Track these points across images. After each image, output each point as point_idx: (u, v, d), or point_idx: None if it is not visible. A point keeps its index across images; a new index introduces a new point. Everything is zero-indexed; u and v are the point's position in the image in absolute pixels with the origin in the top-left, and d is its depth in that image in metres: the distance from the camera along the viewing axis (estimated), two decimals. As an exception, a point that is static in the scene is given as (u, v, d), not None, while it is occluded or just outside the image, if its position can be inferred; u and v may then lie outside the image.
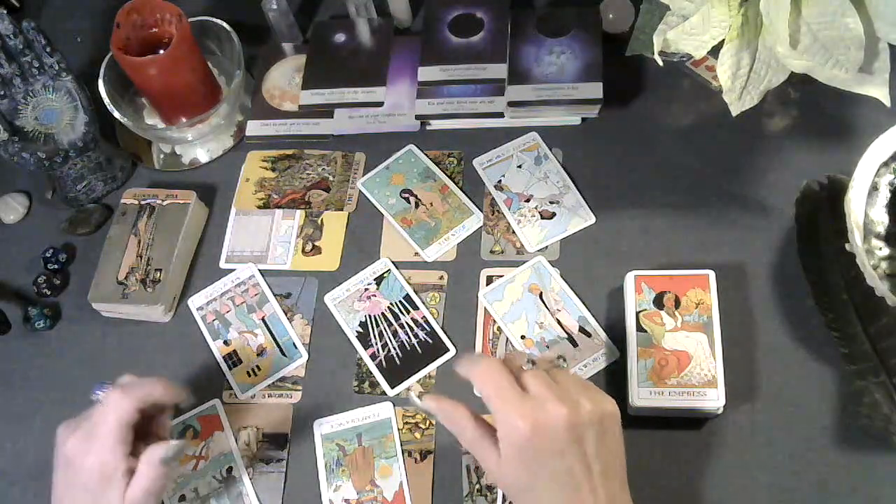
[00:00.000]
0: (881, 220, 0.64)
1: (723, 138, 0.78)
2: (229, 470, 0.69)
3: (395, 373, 0.71)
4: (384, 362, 0.72)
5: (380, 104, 0.83)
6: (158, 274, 0.75)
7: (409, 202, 0.79)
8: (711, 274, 0.67)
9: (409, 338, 0.72)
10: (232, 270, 0.78)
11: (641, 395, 0.63)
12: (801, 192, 0.71)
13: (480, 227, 0.77)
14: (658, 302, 0.67)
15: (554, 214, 0.76)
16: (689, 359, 0.64)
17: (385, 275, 0.75)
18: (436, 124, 0.82)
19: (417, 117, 0.81)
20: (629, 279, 0.68)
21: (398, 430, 0.69)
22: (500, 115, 0.80)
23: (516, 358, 0.55)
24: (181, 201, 0.78)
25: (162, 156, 0.86)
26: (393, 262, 0.76)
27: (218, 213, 0.81)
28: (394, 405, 0.70)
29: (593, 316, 0.71)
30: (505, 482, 0.53)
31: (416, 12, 0.89)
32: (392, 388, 0.70)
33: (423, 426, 0.69)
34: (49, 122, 0.80)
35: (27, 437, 0.73)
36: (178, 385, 0.61)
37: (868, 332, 0.64)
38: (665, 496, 0.63)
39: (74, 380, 0.75)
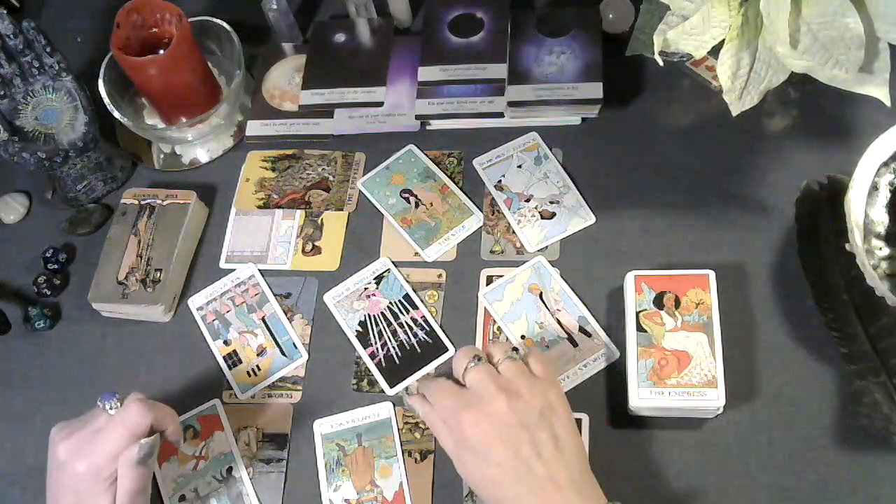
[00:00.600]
0: (881, 220, 0.64)
1: (723, 138, 0.78)
2: (229, 470, 0.69)
3: (395, 372, 0.71)
4: (383, 361, 0.72)
5: (380, 104, 0.83)
6: (158, 274, 0.75)
7: (409, 202, 0.79)
8: (711, 274, 0.67)
9: (409, 337, 0.72)
10: (232, 270, 0.78)
11: (641, 395, 0.63)
12: (801, 192, 0.71)
13: (480, 227, 0.77)
14: (658, 302, 0.67)
15: (554, 214, 0.76)
16: (689, 359, 0.64)
17: (385, 274, 0.75)
18: (436, 124, 0.82)
19: (417, 117, 0.81)
20: (629, 279, 0.68)
21: (398, 430, 0.69)
22: (500, 115, 0.80)
23: (461, 358, 0.58)
24: (181, 201, 0.78)
25: (162, 156, 0.86)
26: (393, 262, 0.76)
27: (218, 213, 0.81)
28: (393, 405, 0.70)
29: (593, 316, 0.71)
30: (470, 480, 0.55)
31: (416, 12, 0.89)
32: (391, 387, 0.70)
33: (423, 426, 0.69)
34: (49, 122, 0.80)
35: (27, 437, 0.73)
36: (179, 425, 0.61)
37: (868, 332, 0.64)
38: (665, 496, 0.63)
39: (74, 380, 0.75)
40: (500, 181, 0.79)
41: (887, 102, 0.64)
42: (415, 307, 0.74)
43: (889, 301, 0.58)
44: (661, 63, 0.65)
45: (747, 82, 0.68)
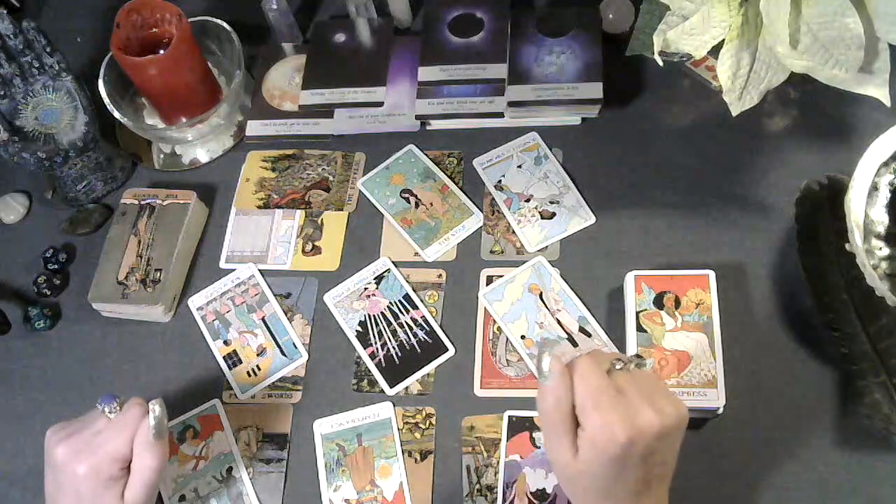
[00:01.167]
0: (881, 220, 0.64)
1: (723, 138, 0.78)
2: (229, 470, 0.69)
3: (395, 372, 0.71)
4: (383, 361, 0.72)
5: (380, 104, 0.83)
6: (158, 274, 0.75)
7: (409, 202, 0.79)
8: (711, 274, 0.67)
9: (409, 337, 0.72)
10: (232, 270, 0.78)
11: (641, 395, 0.63)
12: (801, 192, 0.71)
13: (480, 227, 0.77)
14: (658, 302, 0.67)
15: (554, 214, 0.76)
16: (689, 359, 0.64)
17: (385, 274, 0.75)
18: (436, 124, 0.82)
19: (417, 117, 0.81)
20: (629, 279, 0.68)
21: (398, 430, 0.69)
22: (500, 115, 0.80)
23: (604, 357, 0.52)
24: (181, 201, 0.78)
25: (162, 156, 0.86)
26: (393, 262, 0.76)
27: (218, 213, 0.81)
28: (393, 405, 0.70)
29: (593, 316, 0.71)
30: (576, 481, 0.51)
31: (416, 12, 0.89)
32: (391, 387, 0.70)
33: (424, 426, 0.69)
34: (49, 122, 0.80)
35: (27, 437, 0.73)
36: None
37: (868, 332, 0.64)
38: (665, 496, 0.63)
39: (74, 380, 0.75)
40: (500, 181, 0.79)
41: (887, 102, 0.64)
42: (415, 307, 0.74)
43: (889, 301, 0.58)
44: (661, 63, 0.65)
45: (747, 82, 0.68)
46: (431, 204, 0.78)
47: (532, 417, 0.67)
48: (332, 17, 0.91)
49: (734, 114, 0.68)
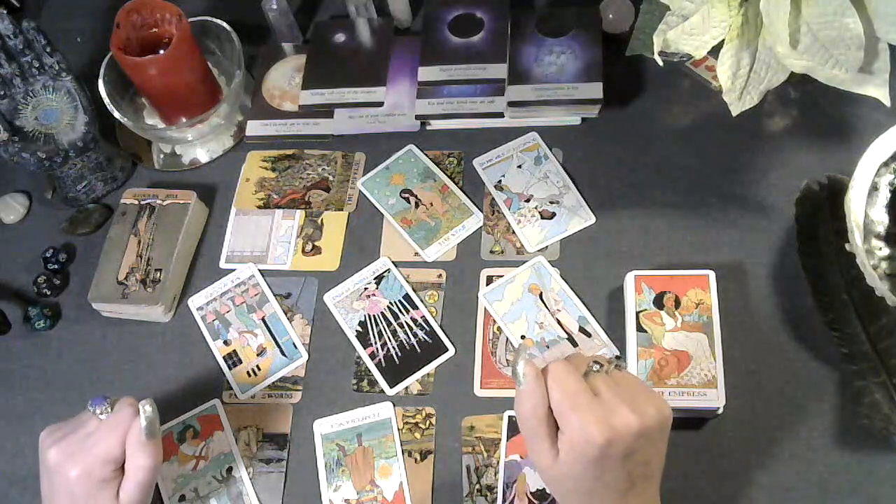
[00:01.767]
0: (881, 220, 0.64)
1: (723, 138, 0.78)
2: (229, 470, 0.69)
3: (395, 372, 0.71)
4: (383, 361, 0.72)
5: (380, 104, 0.83)
6: (158, 274, 0.75)
7: (409, 202, 0.79)
8: (711, 274, 0.67)
9: (409, 337, 0.72)
10: (232, 270, 0.78)
11: (641, 395, 0.63)
12: (801, 192, 0.71)
13: (480, 227, 0.77)
14: (658, 302, 0.67)
15: (554, 214, 0.76)
16: (689, 359, 0.64)
17: (385, 274, 0.75)
18: (436, 124, 0.82)
19: (417, 117, 0.81)
20: (629, 279, 0.68)
21: (398, 430, 0.69)
22: (500, 115, 0.80)
23: (581, 360, 0.53)
24: (181, 201, 0.78)
25: (162, 156, 0.86)
26: (393, 262, 0.76)
27: (218, 213, 0.81)
28: (394, 405, 0.70)
29: (593, 316, 0.71)
30: (560, 483, 0.52)
31: (416, 12, 0.89)
32: (391, 387, 0.70)
33: (424, 426, 0.69)
34: (49, 122, 0.80)
35: (27, 437, 0.73)
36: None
37: (868, 332, 0.64)
38: (665, 496, 0.63)
39: (74, 380, 0.75)
40: (500, 181, 0.79)
41: (887, 102, 0.64)
42: (415, 307, 0.74)
43: (889, 301, 0.58)
44: (661, 63, 0.65)
45: (747, 82, 0.68)
46: (431, 204, 0.78)
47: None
48: (332, 17, 0.91)
49: (734, 114, 0.68)
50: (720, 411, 0.64)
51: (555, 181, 0.78)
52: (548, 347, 0.70)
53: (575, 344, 0.70)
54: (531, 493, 0.65)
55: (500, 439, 0.67)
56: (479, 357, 0.71)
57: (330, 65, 0.85)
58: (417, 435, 0.68)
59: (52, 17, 0.97)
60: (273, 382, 0.72)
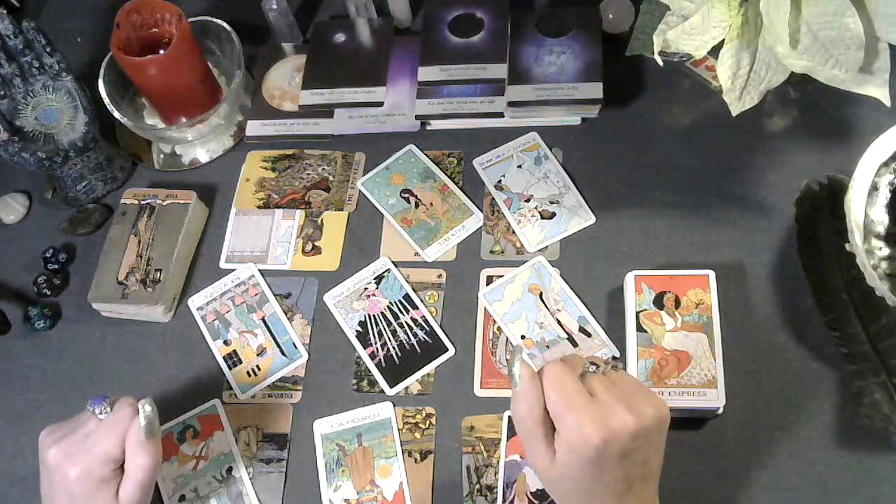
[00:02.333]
0: (881, 220, 0.64)
1: (723, 138, 0.78)
2: (229, 470, 0.69)
3: (395, 372, 0.71)
4: (383, 361, 0.72)
5: (380, 104, 0.83)
6: (158, 274, 0.75)
7: (409, 202, 0.79)
8: (711, 274, 0.67)
9: (409, 337, 0.72)
10: (232, 270, 0.78)
11: (641, 395, 0.63)
12: (801, 192, 0.71)
13: (480, 227, 0.77)
14: (658, 302, 0.67)
15: (554, 214, 0.76)
16: (689, 359, 0.64)
17: (385, 274, 0.75)
18: (436, 124, 0.82)
19: (417, 117, 0.81)
20: (629, 279, 0.68)
21: (398, 430, 0.69)
22: (500, 115, 0.80)
23: (577, 361, 0.53)
24: (181, 201, 0.78)
25: (162, 156, 0.86)
26: (393, 262, 0.76)
27: (218, 213, 0.81)
28: (394, 405, 0.70)
29: (593, 316, 0.71)
30: (558, 484, 0.52)
31: (416, 12, 0.89)
32: (391, 387, 0.70)
33: (423, 426, 0.69)
34: (49, 122, 0.80)
35: (27, 437, 0.73)
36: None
37: (868, 332, 0.64)
38: (665, 496, 0.63)
39: (74, 380, 0.75)
40: (500, 181, 0.79)
41: (887, 102, 0.64)
42: (415, 307, 0.74)
43: (889, 301, 0.58)
44: (661, 63, 0.65)
45: (747, 82, 0.68)
46: (431, 204, 0.78)
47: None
48: (332, 17, 0.91)
49: (734, 114, 0.68)
50: (720, 411, 0.64)
51: (555, 181, 0.78)
52: (548, 347, 0.70)
53: (575, 344, 0.70)
54: (531, 493, 0.65)
55: (500, 439, 0.67)
56: (479, 357, 0.71)
57: (330, 65, 0.85)
58: (417, 435, 0.68)
59: (52, 17, 0.97)
60: (273, 382, 0.72)
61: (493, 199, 0.78)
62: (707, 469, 0.64)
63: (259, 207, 0.80)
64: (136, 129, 0.81)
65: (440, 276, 0.75)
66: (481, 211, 0.78)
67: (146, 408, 0.56)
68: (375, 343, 0.72)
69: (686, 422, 0.65)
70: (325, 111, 0.84)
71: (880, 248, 0.63)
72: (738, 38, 0.66)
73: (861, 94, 0.64)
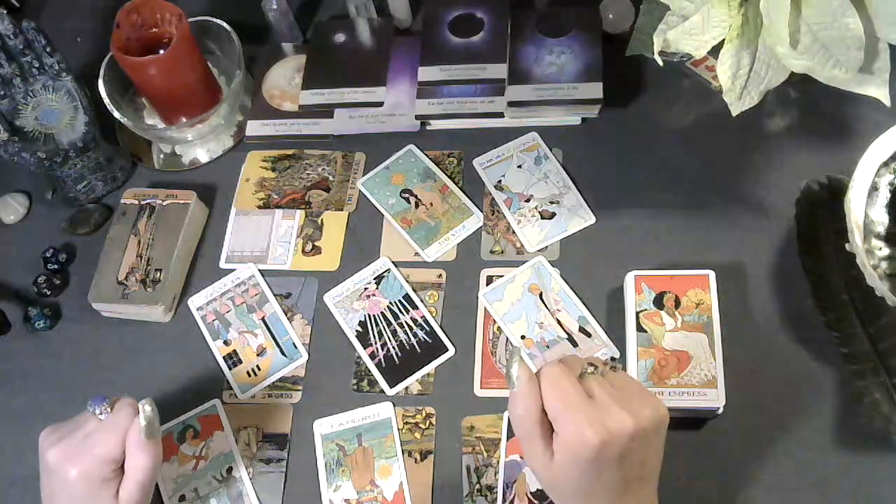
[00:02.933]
0: (881, 220, 0.64)
1: (723, 138, 0.78)
2: (229, 470, 0.69)
3: (395, 372, 0.71)
4: (383, 361, 0.72)
5: (380, 104, 0.83)
6: (158, 274, 0.75)
7: (409, 202, 0.79)
8: (711, 274, 0.67)
9: (409, 337, 0.72)
10: (232, 270, 0.78)
11: (641, 395, 0.63)
12: (801, 192, 0.71)
13: (480, 227, 0.77)
14: (658, 302, 0.67)
15: (554, 214, 0.76)
16: (689, 359, 0.64)
17: (385, 274, 0.75)
18: (436, 124, 0.82)
19: (417, 117, 0.81)
20: (629, 279, 0.68)
21: (398, 430, 0.69)
22: (500, 115, 0.80)
23: (575, 362, 0.53)
24: (181, 201, 0.78)
25: (162, 156, 0.86)
26: (393, 262, 0.76)
27: (218, 213, 0.81)
28: (394, 405, 0.70)
29: (593, 316, 0.71)
30: (556, 485, 0.52)
31: (416, 12, 0.89)
32: (391, 387, 0.70)
33: (423, 426, 0.69)
34: (49, 122, 0.80)
35: (27, 437, 0.72)
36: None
37: (868, 332, 0.64)
38: (665, 496, 0.63)
39: (74, 380, 0.75)
40: (500, 181, 0.79)
41: (887, 102, 0.64)
42: (415, 307, 0.74)
43: (889, 301, 0.58)
44: (661, 63, 0.65)
45: (747, 82, 0.68)
46: (431, 204, 0.78)
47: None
48: (332, 17, 0.91)
49: (734, 114, 0.68)
50: (720, 411, 0.64)
51: (555, 181, 0.78)
52: (548, 348, 0.70)
53: (575, 344, 0.70)
54: (531, 493, 0.65)
55: (500, 439, 0.67)
56: (478, 357, 0.71)
57: (330, 65, 0.85)
58: (417, 435, 0.68)
59: (52, 17, 0.97)
60: (273, 382, 0.72)
61: (493, 199, 0.78)
62: (707, 469, 0.64)
63: (259, 207, 0.80)
64: (136, 129, 0.81)
65: (440, 276, 0.75)
66: (481, 211, 0.78)
67: (146, 408, 0.56)
68: (375, 343, 0.72)
69: (686, 422, 0.65)
70: (325, 111, 0.84)
71: (880, 248, 0.63)
72: (738, 38, 0.67)
73: (861, 94, 0.65)
